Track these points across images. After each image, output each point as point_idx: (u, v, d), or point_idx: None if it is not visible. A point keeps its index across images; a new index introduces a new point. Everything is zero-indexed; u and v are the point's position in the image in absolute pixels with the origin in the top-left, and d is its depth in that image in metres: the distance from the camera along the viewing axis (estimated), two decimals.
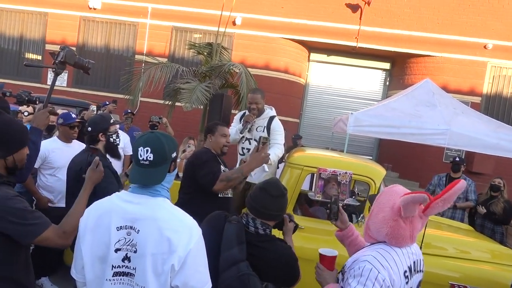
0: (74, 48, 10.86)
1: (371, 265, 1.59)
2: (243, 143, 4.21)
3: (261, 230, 1.96)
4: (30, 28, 11.27)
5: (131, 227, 1.44)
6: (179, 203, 3.09)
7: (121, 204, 1.48)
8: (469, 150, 6.40)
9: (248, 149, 4.14)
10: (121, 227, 1.45)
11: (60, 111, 6.31)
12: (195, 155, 3.18)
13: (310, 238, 3.42)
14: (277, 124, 4.15)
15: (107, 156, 2.89)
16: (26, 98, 3.95)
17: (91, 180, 2.12)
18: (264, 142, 2.88)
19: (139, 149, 1.49)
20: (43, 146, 3.30)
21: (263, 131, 4.12)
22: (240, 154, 4.24)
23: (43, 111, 2.48)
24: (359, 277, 1.59)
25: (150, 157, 1.48)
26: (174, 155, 1.56)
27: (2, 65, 11.42)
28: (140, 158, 1.49)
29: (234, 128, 4.25)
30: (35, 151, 2.36)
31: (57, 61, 2.50)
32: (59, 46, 2.55)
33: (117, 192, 1.56)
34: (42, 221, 1.72)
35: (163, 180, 1.52)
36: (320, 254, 1.95)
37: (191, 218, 1.51)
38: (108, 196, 1.56)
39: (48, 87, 2.58)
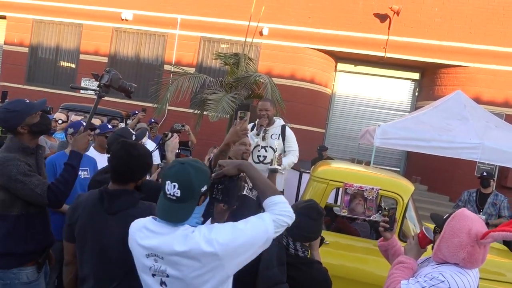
0: (106, 58, 11.28)
1: (447, 281, 1.72)
2: (258, 151, 4.28)
3: (300, 252, 1.99)
4: (66, 39, 11.77)
5: (155, 255, 1.47)
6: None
7: (146, 233, 1.51)
8: (503, 165, 6.16)
9: (265, 157, 4.24)
10: (148, 255, 1.49)
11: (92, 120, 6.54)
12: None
13: (335, 254, 3.36)
14: (291, 132, 4.37)
15: None
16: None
17: None
18: (241, 117, 2.79)
19: (167, 182, 1.46)
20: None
21: (278, 138, 4.28)
22: (255, 162, 4.28)
23: (84, 134, 2.40)
24: (429, 280, 1.75)
25: (177, 193, 1.45)
26: (204, 188, 1.51)
27: (39, 74, 11.96)
28: (168, 192, 1.46)
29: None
30: (74, 176, 2.30)
31: (101, 84, 2.44)
32: (104, 69, 2.53)
33: (149, 218, 1.57)
34: None
35: (189, 217, 1.49)
36: (422, 231, 2.03)
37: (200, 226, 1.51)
38: (145, 218, 1.58)
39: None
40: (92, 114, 2.51)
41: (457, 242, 1.79)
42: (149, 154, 2.07)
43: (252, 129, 4.34)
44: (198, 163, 1.52)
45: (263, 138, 4.24)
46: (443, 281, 1.73)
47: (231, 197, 1.61)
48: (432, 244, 1.99)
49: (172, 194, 1.44)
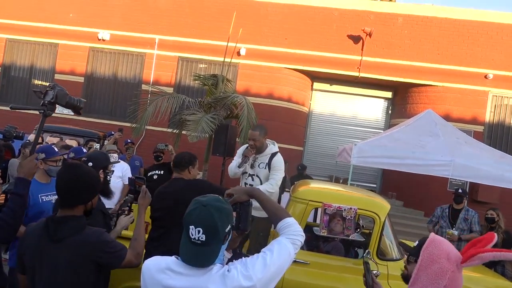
0: (82, 78, 11.16)
1: None
2: (246, 179, 4.26)
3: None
4: (41, 58, 11.59)
5: None
6: (152, 237, 3.09)
7: (172, 275, 1.48)
8: (473, 181, 6.43)
9: (251, 185, 4.18)
10: None
11: (68, 141, 6.43)
12: (182, 190, 3.10)
13: (315, 274, 3.41)
14: (277, 161, 4.20)
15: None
16: (14, 134, 3.99)
17: (143, 206, 2.35)
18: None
19: (191, 227, 1.43)
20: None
21: (265, 168, 4.19)
22: None
23: (30, 158, 2.21)
24: None
25: (202, 238, 1.42)
26: (228, 228, 1.49)
27: (13, 94, 11.69)
28: (192, 237, 1.43)
29: (235, 162, 4.34)
30: (22, 206, 2.14)
31: (46, 102, 2.23)
32: (48, 84, 2.33)
33: (171, 258, 1.53)
34: (123, 247, 1.99)
35: (217, 258, 1.47)
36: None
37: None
38: (165, 258, 1.55)
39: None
40: (37, 136, 2.34)
41: (437, 269, 1.69)
42: (94, 175, 2.05)
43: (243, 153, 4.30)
44: (219, 202, 1.50)
45: (252, 166, 4.20)
46: None
47: (244, 223, 1.68)
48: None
49: (197, 238, 1.43)
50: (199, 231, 1.42)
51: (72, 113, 10.64)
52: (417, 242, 1.88)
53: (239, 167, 4.16)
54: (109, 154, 3.49)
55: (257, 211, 3.87)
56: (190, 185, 3.15)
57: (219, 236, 1.45)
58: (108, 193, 2.89)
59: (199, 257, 1.44)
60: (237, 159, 4.38)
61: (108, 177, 2.89)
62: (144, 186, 2.45)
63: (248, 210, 1.71)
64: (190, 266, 1.45)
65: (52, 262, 1.82)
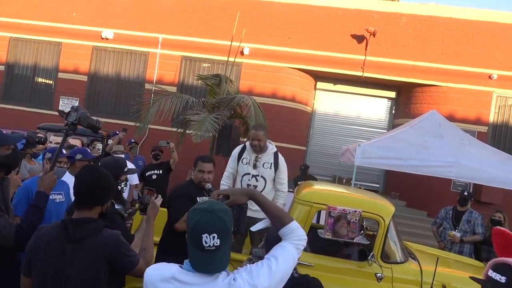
0: (85, 77, 11.18)
1: None
2: (249, 180, 4.17)
3: (295, 274, 2.00)
4: (44, 57, 11.61)
5: None
6: (163, 237, 3.25)
7: (177, 284, 1.46)
8: (477, 183, 6.41)
9: (255, 186, 4.12)
10: None
11: (72, 140, 6.44)
12: (175, 187, 3.37)
13: (319, 276, 3.41)
14: (283, 163, 4.25)
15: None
16: (37, 139, 4.17)
17: (153, 216, 2.37)
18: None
19: (204, 236, 1.40)
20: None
21: (270, 168, 4.18)
22: None
23: (50, 174, 2.34)
24: None
25: (217, 243, 1.41)
26: (232, 229, 1.50)
27: (16, 92, 11.72)
28: (206, 245, 1.41)
29: (229, 172, 4.29)
30: (39, 217, 2.25)
31: (69, 122, 2.40)
32: (71, 106, 2.52)
33: (175, 267, 1.50)
34: (137, 254, 2.03)
35: (229, 260, 1.47)
36: None
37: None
38: (169, 267, 1.52)
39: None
40: (58, 152, 2.49)
41: None
42: (110, 178, 2.10)
43: (241, 153, 4.24)
44: (220, 205, 1.50)
45: (255, 166, 4.12)
46: None
47: (241, 226, 1.64)
48: None
49: (212, 245, 1.41)
50: (214, 237, 1.40)
51: None
52: None
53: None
54: (118, 155, 3.55)
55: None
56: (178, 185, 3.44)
57: (229, 237, 1.47)
58: (120, 200, 2.93)
59: (215, 263, 1.43)
60: (232, 164, 4.29)
61: (120, 186, 2.88)
62: (153, 198, 2.47)
63: (245, 213, 1.67)
64: (196, 275, 1.44)
65: (71, 263, 1.83)
